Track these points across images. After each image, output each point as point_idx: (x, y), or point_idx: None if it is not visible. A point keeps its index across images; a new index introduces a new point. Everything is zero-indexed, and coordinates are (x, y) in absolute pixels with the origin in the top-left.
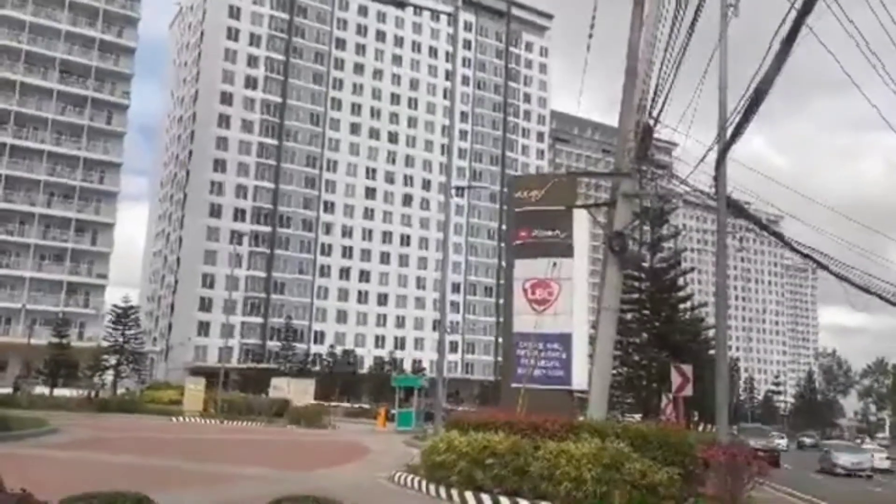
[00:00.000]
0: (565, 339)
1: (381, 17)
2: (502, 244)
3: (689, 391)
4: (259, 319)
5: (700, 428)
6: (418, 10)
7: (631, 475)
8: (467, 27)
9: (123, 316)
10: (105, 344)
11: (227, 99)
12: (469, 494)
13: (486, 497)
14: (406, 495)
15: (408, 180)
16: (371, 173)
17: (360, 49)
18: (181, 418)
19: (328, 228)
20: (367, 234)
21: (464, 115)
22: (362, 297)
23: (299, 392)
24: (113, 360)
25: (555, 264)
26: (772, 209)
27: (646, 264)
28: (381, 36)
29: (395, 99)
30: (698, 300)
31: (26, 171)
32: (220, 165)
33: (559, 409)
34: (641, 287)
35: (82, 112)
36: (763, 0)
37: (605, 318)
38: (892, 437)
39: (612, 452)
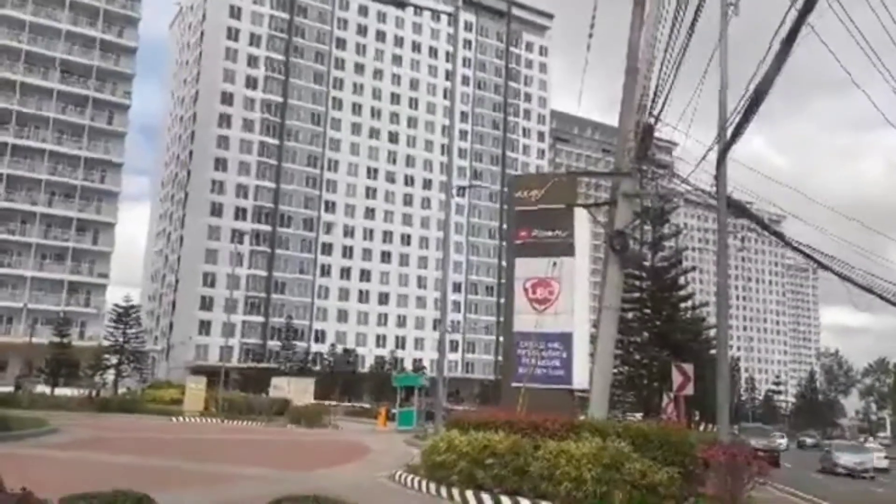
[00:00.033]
0: (566, 339)
1: (382, 16)
2: (503, 243)
3: (690, 390)
4: (260, 318)
5: (701, 427)
6: (418, 10)
7: (631, 475)
8: (467, 27)
9: (124, 315)
10: (106, 343)
11: (227, 98)
12: (469, 494)
13: (486, 496)
14: (406, 495)
15: (408, 180)
16: (372, 173)
17: (361, 49)
18: (182, 418)
19: (329, 228)
20: (368, 234)
21: (464, 115)
22: (363, 297)
23: (299, 391)
24: (114, 360)
25: (555, 264)
26: (773, 209)
27: (647, 263)
28: (381, 36)
29: (395, 99)
30: (699, 299)
31: (27, 171)
32: (220, 165)
33: (560, 409)
34: (642, 286)
35: (83, 112)
36: None
37: (606, 317)
38: (892, 436)
39: (613, 452)
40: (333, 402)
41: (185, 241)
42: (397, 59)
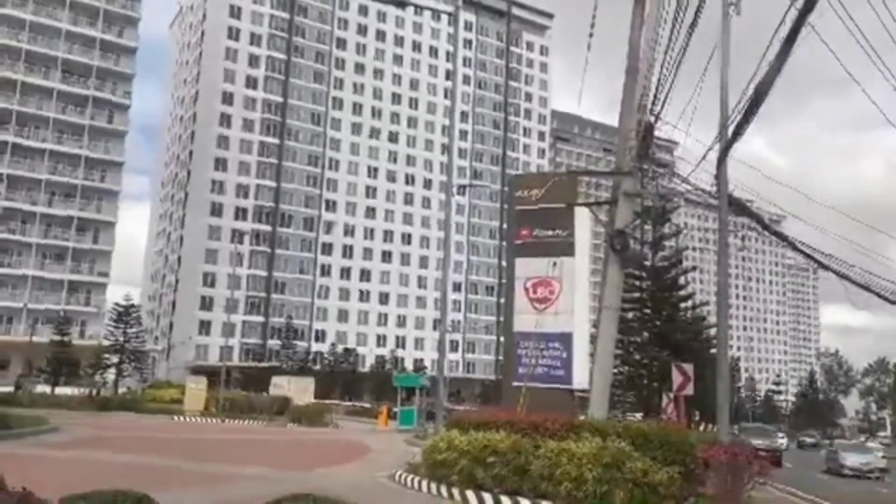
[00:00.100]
0: (566, 338)
1: (382, 16)
2: (503, 243)
3: (690, 390)
4: (260, 318)
5: (701, 427)
6: (419, 9)
7: (632, 474)
8: (468, 27)
9: (125, 314)
10: (106, 343)
11: (227, 98)
12: (470, 493)
13: (487, 496)
14: (407, 494)
15: (409, 179)
16: (372, 172)
17: (361, 48)
18: (182, 417)
19: (329, 227)
20: (369, 233)
21: (464, 115)
22: (363, 296)
23: (299, 391)
24: (114, 359)
25: (556, 263)
26: (773, 209)
27: (647, 263)
28: (381, 35)
29: (395, 98)
30: (700, 299)
31: (28, 170)
32: (221, 164)
33: (560, 409)
34: (643, 286)
35: (83, 111)
36: None
37: (607, 316)
38: (893, 436)
39: (613, 452)
40: (334, 402)
41: (186, 241)
42: (398, 59)
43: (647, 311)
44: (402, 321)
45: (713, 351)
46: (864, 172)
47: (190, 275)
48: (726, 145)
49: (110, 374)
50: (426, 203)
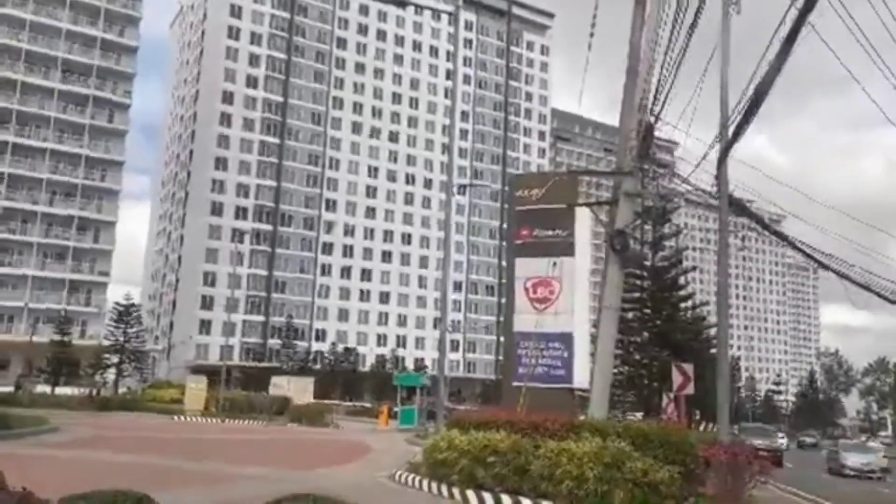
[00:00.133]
0: (566, 338)
1: (382, 16)
2: (503, 243)
3: (690, 390)
4: (260, 318)
5: (701, 427)
6: (419, 9)
7: (632, 474)
8: (468, 26)
9: (125, 314)
10: (107, 342)
11: (228, 97)
12: (470, 493)
13: (487, 495)
14: (407, 494)
15: (409, 179)
16: (373, 172)
17: (361, 48)
18: (182, 417)
19: (330, 227)
20: (369, 233)
21: (465, 114)
22: (364, 296)
23: (299, 391)
24: (115, 359)
25: (556, 263)
26: (773, 208)
27: (647, 263)
28: (381, 35)
29: (396, 98)
30: (700, 299)
31: (28, 170)
32: (221, 164)
33: (560, 408)
34: (643, 286)
35: (84, 111)
36: None
37: (607, 316)
38: (894, 435)
39: (614, 451)
40: (335, 402)
41: (186, 241)
42: (398, 59)
43: (648, 310)
44: (402, 321)
45: (713, 351)
46: (865, 172)
47: (190, 274)
48: (726, 145)
49: (110, 374)
50: (426, 203)
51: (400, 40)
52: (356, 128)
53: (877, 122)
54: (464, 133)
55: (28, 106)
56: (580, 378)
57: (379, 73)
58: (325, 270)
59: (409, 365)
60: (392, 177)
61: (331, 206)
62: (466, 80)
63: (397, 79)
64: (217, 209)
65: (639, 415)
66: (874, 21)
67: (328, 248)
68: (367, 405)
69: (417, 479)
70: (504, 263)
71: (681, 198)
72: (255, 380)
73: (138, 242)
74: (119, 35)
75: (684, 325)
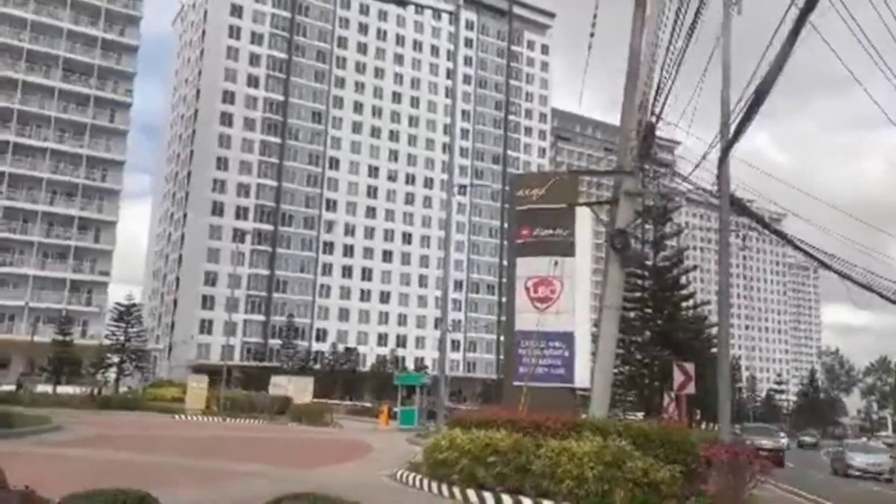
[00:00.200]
0: (567, 338)
1: (383, 15)
2: (504, 242)
3: (691, 389)
4: (261, 317)
5: (702, 426)
6: (420, 8)
7: (633, 473)
8: (469, 25)
9: (126, 314)
10: (108, 342)
11: (229, 97)
12: (471, 492)
13: (488, 495)
14: (408, 493)
15: (410, 178)
16: (373, 171)
17: (362, 47)
18: (184, 416)
19: (330, 226)
20: (370, 232)
21: (465, 114)
22: (364, 296)
23: (299, 390)
24: (116, 358)
25: (556, 263)
26: (774, 207)
27: (648, 262)
28: (382, 34)
29: (396, 97)
30: (701, 298)
31: (29, 169)
32: (222, 163)
33: (561, 408)
34: (644, 285)
35: (85, 110)
36: None
37: (608, 316)
38: (895, 435)
39: (614, 451)
40: (335, 401)
41: (187, 240)
42: (398, 58)
43: (649, 310)
44: (402, 320)
45: (714, 350)
46: (866, 171)
47: (191, 274)
48: (727, 145)
49: (112, 374)
50: (427, 202)
51: (401, 39)
52: (357, 127)
53: (878, 122)
54: (464, 132)
55: (29, 105)
56: (581, 377)
57: (379, 72)
58: (326, 270)
59: (410, 364)
60: (392, 176)
61: (331, 205)
62: (467, 79)
63: (398, 78)
64: (218, 209)
65: (640, 414)
66: (875, 21)
67: (329, 248)
68: (368, 405)
69: (418, 478)
70: (505, 263)
71: (682, 197)
72: (255, 379)
73: (139, 242)
74: (120, 34)
75: (685, 324)
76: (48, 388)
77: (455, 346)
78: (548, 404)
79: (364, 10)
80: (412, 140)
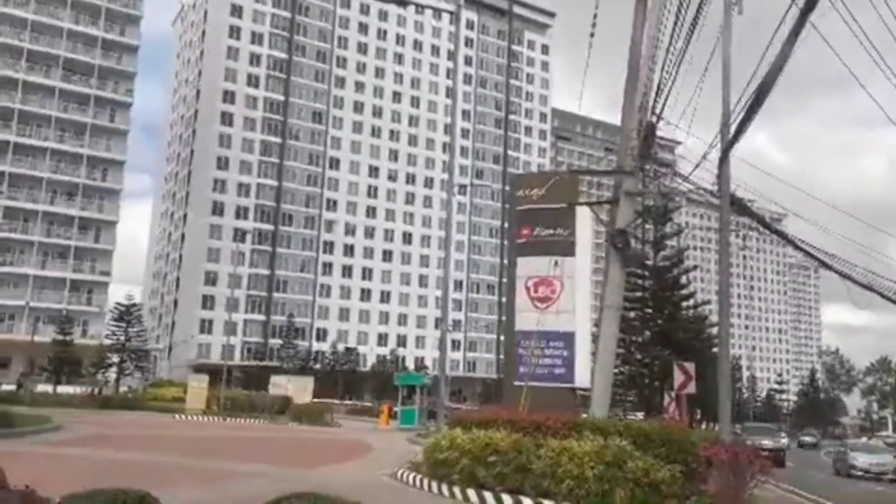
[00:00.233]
0: (568, 337)
1: (383, 15)
2: (504, 242)
3: (691, 389)
4: (261, 317)
5: (703, 426)
6: (420, 8)
7: (633, 473)
8: (469, 25)
9: (126, 313)
10: (108, 341)
11: (229, 97)
12: (471, 492)
13: (488, 495)
14: (408, 493)
15: (410, 178)
16: (373, 171)
17: (362, 47)
18: (184, 416)
19: (331, 226)
20: (370, 232)
21: (465, 114)
22: (365, 295)
23: (298, 390)
24: (116, 358)
25: (557, 262)
26: (775, 207)
27: (649, 262)
28: (382, 34)
29: (396, 97)
30: (701, 298)
31: (30, 169)
32: (222, 163)
33: (561, 407)
34: (644, 285)
35: (85, 110)
36: None
37: (608, 315)
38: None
39: (615, 450)
40: (335, 401)
41: (187, 240)
42: (399, 58)
43: (649, 310)
44: (403, 320)
45: (715, 350)
46: (866, 171)
47: (191, 273)
48: (728, 144)
49: (112, 373)
50: (427, 202)
51: (401, 39)
52: (357, 127)
53: (878, 121)
54: (464, 132)
55: (29, 105)
56: (581, 377)
57: (380, 71)
58: (326, 270)
59: (410, 364)
60: (393, 176)
61: (332, 205)
62: (467, 79)
63: (398, 78)
64: (218, 208)
65: (640, 414)
66: (875, 21)
67: (329, 248)
68: (368, 404)
69: (418, 477)
70: (505, 262)
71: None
72: (255, 379)
73: (139, 242)
74: (120, 34)
75: (686, 324)
76: (48, 388)
77: (455, 345)
78: (548, 404)
79: (364, 9)
80: (412, 140)
